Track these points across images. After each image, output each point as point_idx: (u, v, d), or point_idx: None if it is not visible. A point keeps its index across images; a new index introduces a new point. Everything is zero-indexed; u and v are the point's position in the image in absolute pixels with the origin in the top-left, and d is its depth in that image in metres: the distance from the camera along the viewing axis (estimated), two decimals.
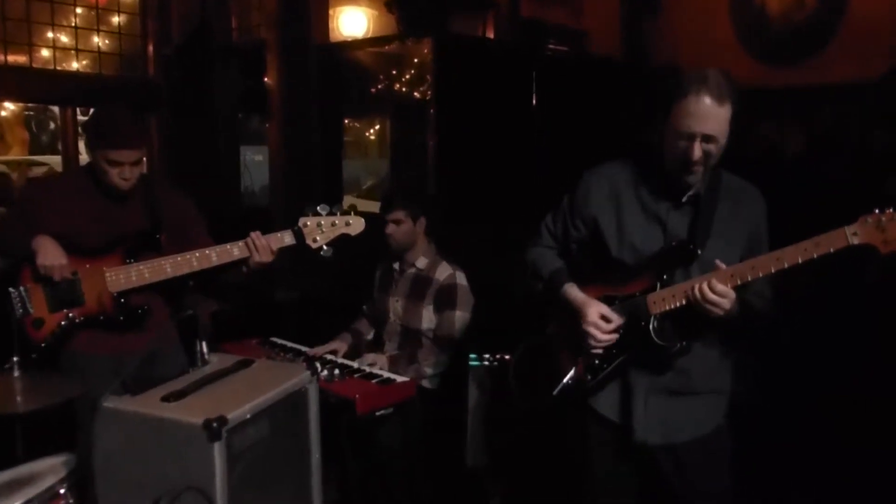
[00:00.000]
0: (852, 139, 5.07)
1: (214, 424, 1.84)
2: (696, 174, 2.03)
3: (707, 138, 1.96)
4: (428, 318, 3.45)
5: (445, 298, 3.41)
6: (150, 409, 1.93)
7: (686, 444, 2.15)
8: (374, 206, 5.20)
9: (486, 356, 3.23)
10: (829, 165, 4.88)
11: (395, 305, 3.55)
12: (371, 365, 3.24)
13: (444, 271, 3.45)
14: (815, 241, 1.82)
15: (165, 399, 1.98)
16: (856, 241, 1.76)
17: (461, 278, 3.46)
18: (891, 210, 1.74)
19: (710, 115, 1.94)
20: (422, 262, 3.49)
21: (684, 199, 2.10)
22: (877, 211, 1.76)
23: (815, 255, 1.81)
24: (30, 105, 9.48)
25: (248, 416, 1.98)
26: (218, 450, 1.85)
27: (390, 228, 3.42)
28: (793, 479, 3.15)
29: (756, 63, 5.83)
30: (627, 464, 2.23)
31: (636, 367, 2.16)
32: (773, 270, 1.87)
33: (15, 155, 9.86)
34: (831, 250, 1.80)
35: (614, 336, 2.13)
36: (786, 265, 1.85)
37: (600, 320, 2.13)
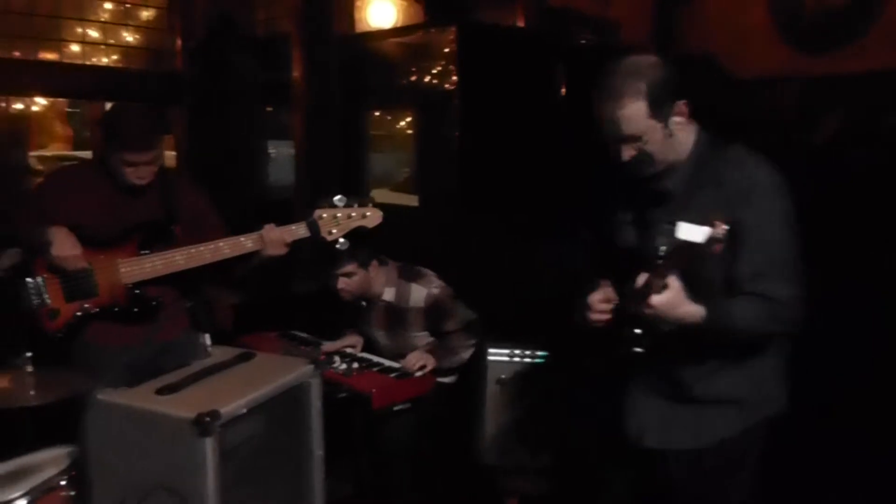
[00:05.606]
0: (890, 130, 4.89)
1: (206, 419, 1.81)
2: (651, 167, 1.93)
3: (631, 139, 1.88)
4: (420, 339, 3.37)
5: (439, 316, 3.33)
6: (142, 402, 1.91)
7: (683, 452, 2.03)
8: (409, 199, 5.19)
9: (506, 350, 3.16)
10: (865, 157, 4.70)
11: (378, 335, 3.47)
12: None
13: (417, 296, 3.34)
14: None
15: (160, 392, 1.95)
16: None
17: (434, 286, 3.36)
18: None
19: (615, 119, 1.85)
20: (389, 294, 3.38)
21: (655, 195, 1.99)
22: None
23: None
24: (74, 101, 9.59)
25: (244, 410, 1.94)
26: (210, 445, 1.81)
27: (342, 283, 3.32)
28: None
29: (792, 51, 5.66)
30: (629, 467, 2.15)
31: (635, 369, 2.06)
32: None
33: (56, 151, 10.00)
34: None
35: (604, 316, 2.01)
36: None
37: (596, 301, 2.02)
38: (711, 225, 1.63)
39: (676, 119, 1.91)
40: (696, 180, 1.94)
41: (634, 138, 1.87)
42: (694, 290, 1.81)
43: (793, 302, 1.86)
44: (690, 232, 1.65)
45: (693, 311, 1.81)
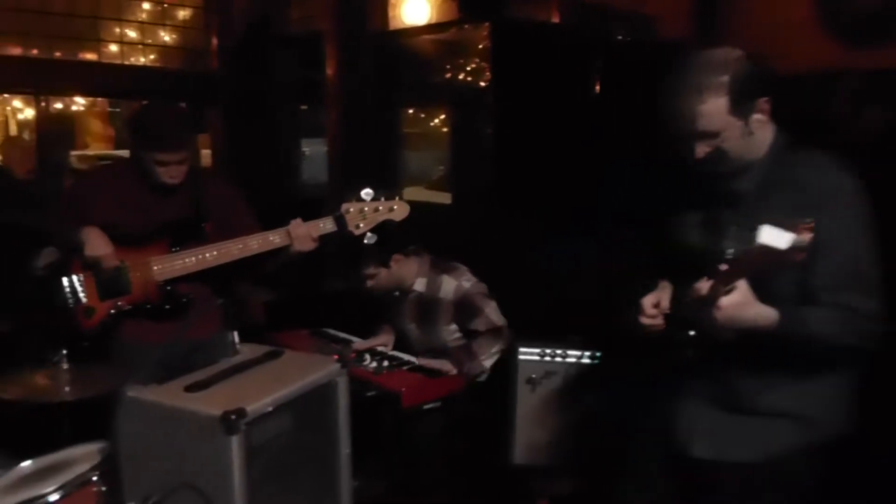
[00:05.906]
0: None
1: (233, 417, 1.81)
2: (725, 166, 1.84)
3: (708, 136, 1.79)
4: (449, 333, 3.35)
5: (469, 312, 3.30)
6: (170, 399, 1.91)
7: (736, 465, 1.93)
8: (442, 197, 5.19)
9: (537, 349, 3.12)
10: None
11: (409, 328, 3.45)
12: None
13: (448, 288, 3.31)
14: None
15: (188, 389, 1.96)
16: None
17: (466, 280, 3.33)
18: None
19: (693, 115, 1.77)
20: (420, 285, 3.37)
21: (725, 195, 1.90)
22: None
23: None
24: (114, 101, 9.71)
25: (270, 408, 1.94)
26: (236, 443, 1.81)
27: (371, 282, 3.34)
28: None
29: (838, 44, 5.49)
30: (671, 475, 2.07)
31: (687, 374, 1.99)
32: None
33: (97, 150, 10.14)
34: None
35: (655, 321, 1.95)
36: None
37: (648, 304, 1.96)
38: (796, 231, 1.52)
39: (757, 117, 1.81)
40: (771, 182, 1.84)
41: (712, 135, 1.79)
42: (761, 297, 1.71)
43: (873, 315, 1.76)
44: (774, 237, 1.52)
45: (765, 313, 1.72)
